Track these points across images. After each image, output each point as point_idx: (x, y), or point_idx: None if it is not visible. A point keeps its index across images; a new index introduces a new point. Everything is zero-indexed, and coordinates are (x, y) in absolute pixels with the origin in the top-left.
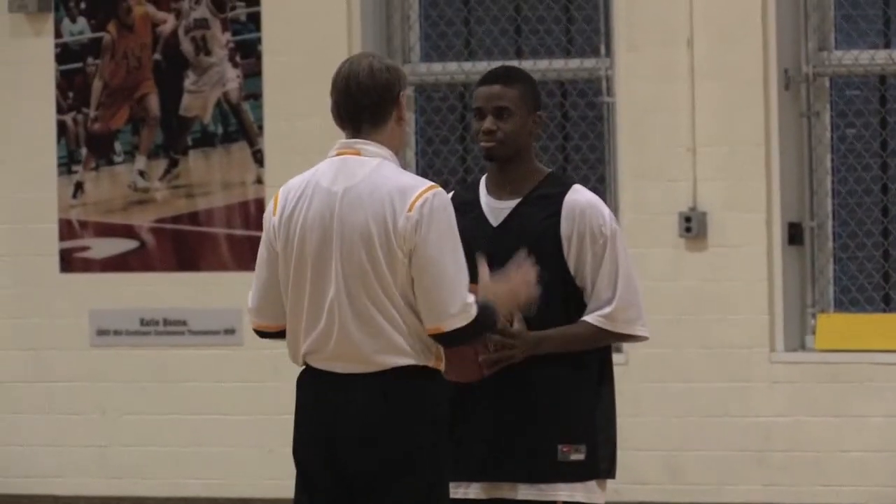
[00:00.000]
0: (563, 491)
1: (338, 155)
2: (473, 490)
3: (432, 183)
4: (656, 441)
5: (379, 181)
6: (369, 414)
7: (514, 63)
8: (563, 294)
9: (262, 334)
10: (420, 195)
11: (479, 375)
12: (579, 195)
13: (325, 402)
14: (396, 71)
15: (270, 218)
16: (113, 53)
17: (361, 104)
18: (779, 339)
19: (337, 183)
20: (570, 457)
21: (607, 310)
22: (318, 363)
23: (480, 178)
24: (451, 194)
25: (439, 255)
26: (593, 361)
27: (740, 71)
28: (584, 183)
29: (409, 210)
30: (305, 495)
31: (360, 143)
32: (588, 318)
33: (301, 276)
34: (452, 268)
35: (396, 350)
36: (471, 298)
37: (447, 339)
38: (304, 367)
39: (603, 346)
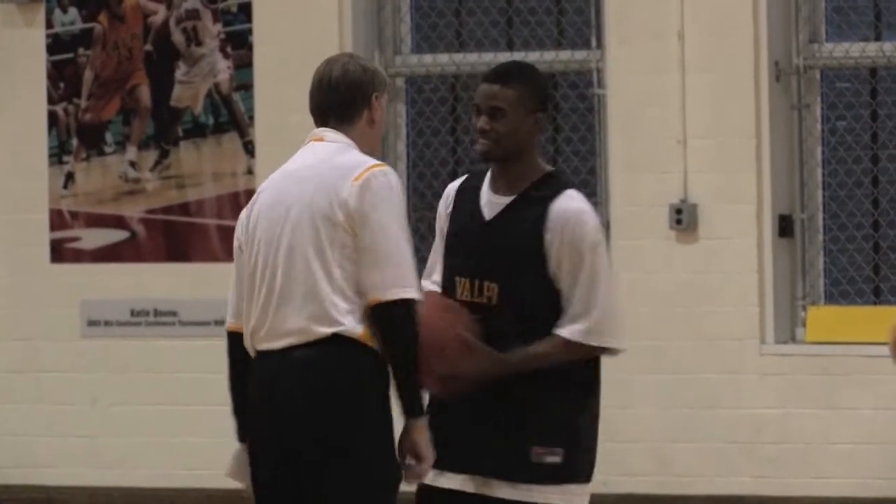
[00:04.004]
0: (536, 492)
1: (307, 144)
2: (451, 480)
3: (383, 163)
4: (645, 433)
5: (333, 160)
6: (300, 387)
7: (506, 55)
8: (545, 296)
9: (233, 338)
10: (368, 169)
11: (439, 388)
12: (569, 202)
13: (264, 381)
14: (373, 73)
15: (243, 214)
16: (104, 44)
17: (330, 99)
18: (769, 332)
19: (296, 164)
20: (544, 459)
21: (580, 325)
22: (261, 343)
23: (489, 169)
24: (464, 178)
25: (383, 229)
26: (581, 368)
27: (731, 63)
28: (576, 175)
29: (355, 180)
30: (256, 475)
31: (326, 131)
32: (561, 331)
33: (254, 257)
34: (395, 243)
35: (330, 320)
36: (411, 279)
37: (384, 311)
38: (255, 353)
39: (592, 357)
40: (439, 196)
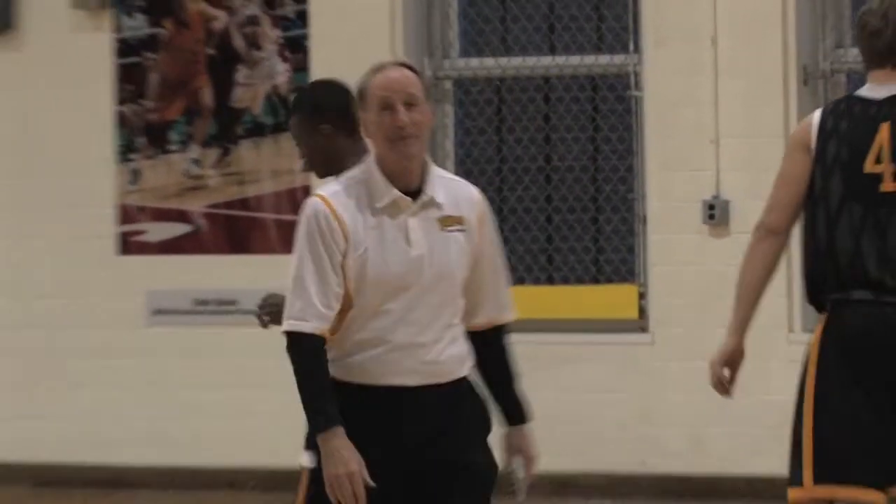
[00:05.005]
0: (304, 458)
1: None
2: None
3: (318, 193)
4: (681, 417)
5: None
6: None
7: (548, 59)
8: None
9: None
10: None
11: None
12: None
13: None
14: (353, 92)
15: None
16: (169, 48)
17: None
18: (797, 321)
19: None
20: None
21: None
22: None
23: None
24: None
25: (292, 263)
26: None
27: (761, 67)
28: (614, 172)
29: None
30: None
31: None
32: None
33: None
34: (294, 276)
35: None
36: (296, 311)
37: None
38: None
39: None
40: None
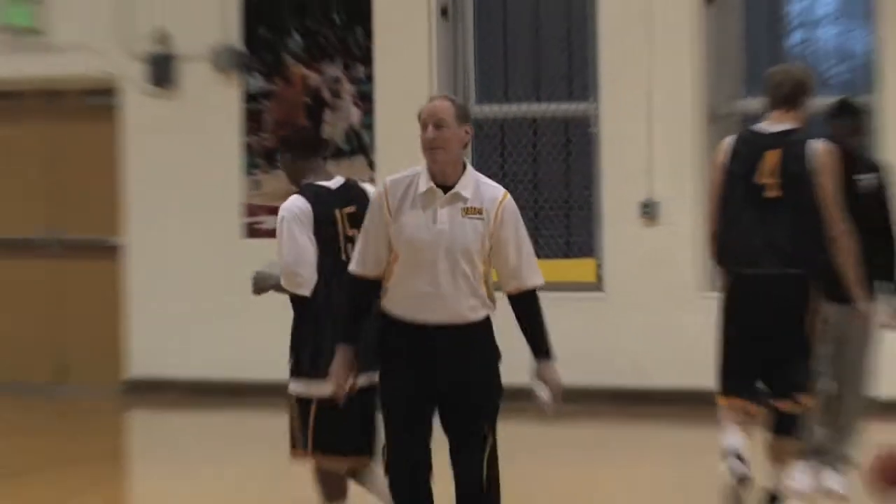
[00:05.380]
0: (290, 384)
1: None
2: None
3: (384, 180)
4: (625, 348)
5: None
6: None
7: (535, 105)
8: None
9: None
10: None
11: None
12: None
13: None
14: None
15: None
16: (278, 98)
17: None
18: (704, 282)
19: None
20: (289, 363)
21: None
22: None
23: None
24: None
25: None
26: (297, 303)
27: (679, 112)
28: (580, 183)
29: None
30: None
31: None
32: None
33: None
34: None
35: None
36: (350, 266)
37: None
38: None
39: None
40: None
